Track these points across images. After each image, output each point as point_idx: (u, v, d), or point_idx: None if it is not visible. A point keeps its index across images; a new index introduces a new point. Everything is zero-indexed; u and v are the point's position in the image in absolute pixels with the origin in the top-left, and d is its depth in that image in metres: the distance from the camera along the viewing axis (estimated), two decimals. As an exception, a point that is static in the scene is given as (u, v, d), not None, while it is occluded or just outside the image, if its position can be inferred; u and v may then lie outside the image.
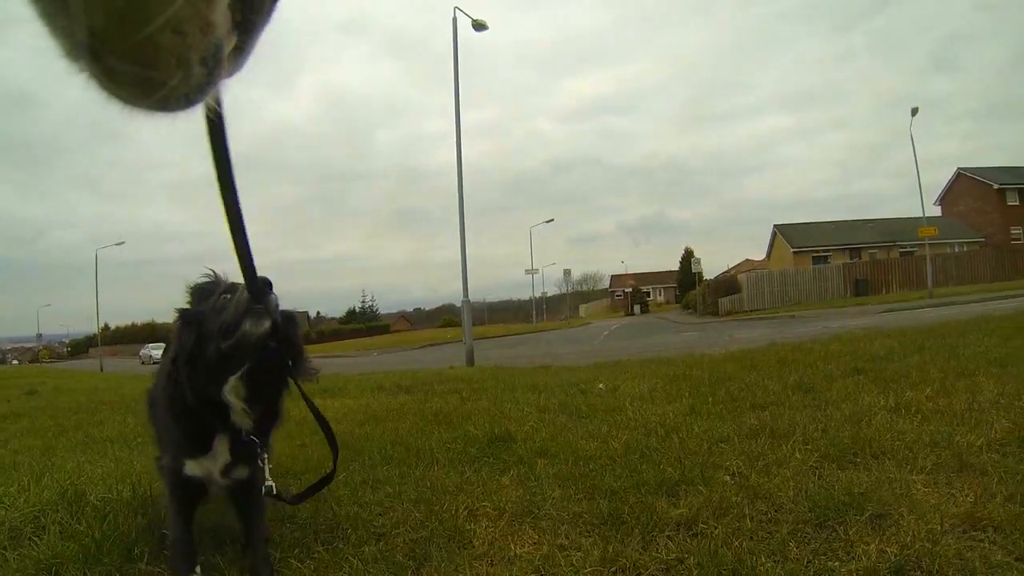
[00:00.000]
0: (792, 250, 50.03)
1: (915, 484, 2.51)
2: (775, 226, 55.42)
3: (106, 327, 68.27)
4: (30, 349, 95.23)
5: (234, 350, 2.11)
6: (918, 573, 1.83)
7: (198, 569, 2.29)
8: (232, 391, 2.19)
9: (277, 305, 2.15)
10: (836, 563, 1.95)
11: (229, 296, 2.18)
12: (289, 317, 2.32)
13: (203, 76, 0.56)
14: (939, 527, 2.07)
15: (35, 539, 2.68)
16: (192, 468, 2.35)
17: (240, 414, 2.23)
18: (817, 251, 49.03)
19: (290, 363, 2.31)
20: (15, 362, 76.43)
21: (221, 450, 2.32)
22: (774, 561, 1.99)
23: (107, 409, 9.03)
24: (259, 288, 2.02)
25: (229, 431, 2.28)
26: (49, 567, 2.40)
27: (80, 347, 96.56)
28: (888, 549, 1.97)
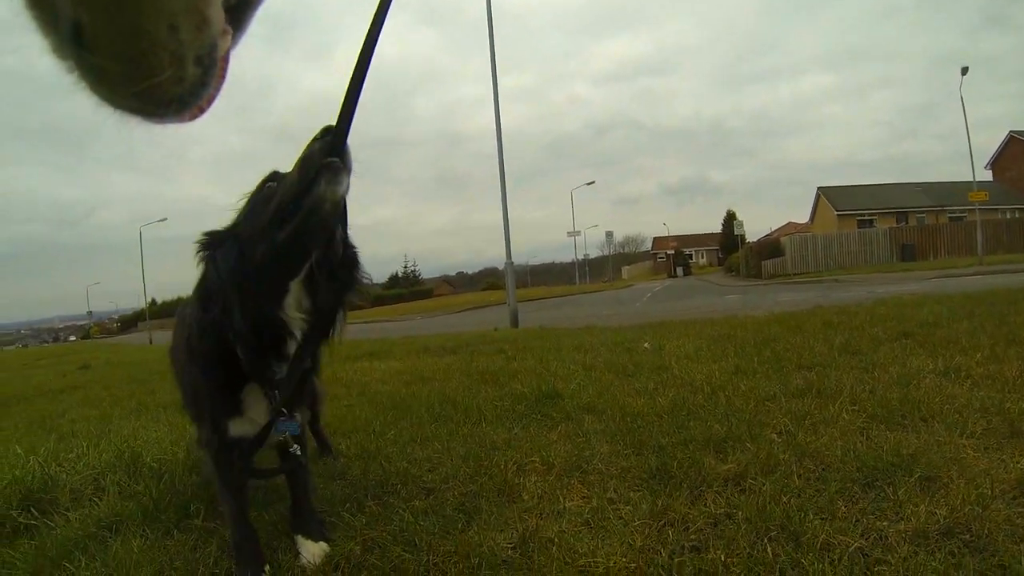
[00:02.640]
0: (836, 213, 48.44)
1: (965, 448, 2.45)
2: (819, 188, 53.68)
3: (153, 302, 69.54)
4: (82, 326, 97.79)
5: (300, 232, 1.64)
6: (967, 536, 1.79)
7: (267, 568, 2.04)
8: (294, 303, 1.76)
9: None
10: (885, 523, 1.92)
11: (275, 183, 1.74)
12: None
13: (198, 76, 0.54)
14: (989, 492, 2.02)
15: (96, 500, 2.79)
16: (237, 427, 2.02)
17: (294, 343, 1.82)
18: (862, 214, 47.43)
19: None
20: (72, 338, 78.54)
21: (256, 402, 1.97)
22: (822, 519, 1.97)
23: (158, 379, 9.24)
24: (339, 134, 1.57)
25: (268, 378, 1.89)
26: (110, 525, 2.48)
27: (129, 322, 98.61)
28: (937, 511, 1.93)
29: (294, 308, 1.75)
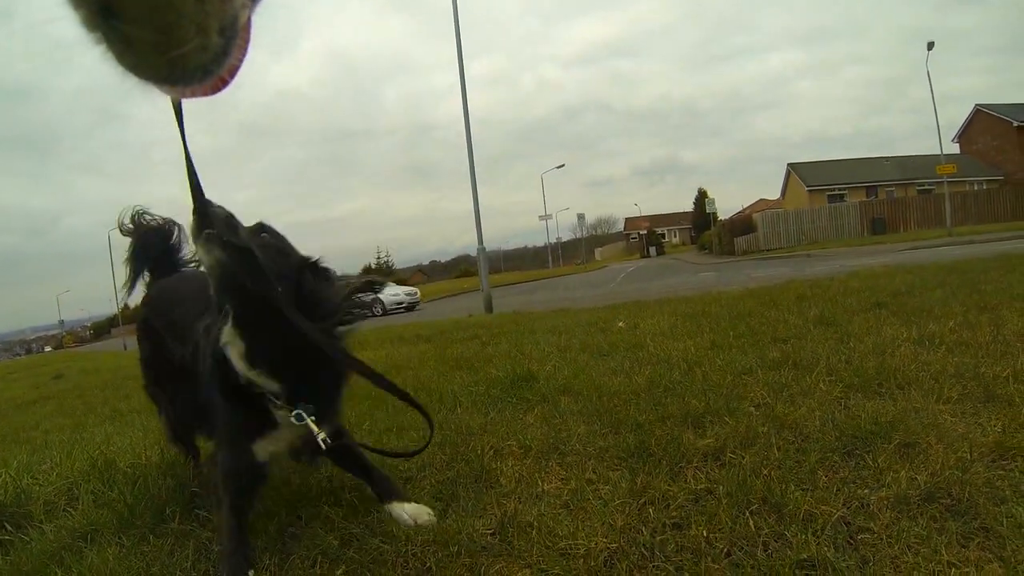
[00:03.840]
0: (807, 188, 48.75)
1: (942, 414, 2.46)
2: (789, 165, 53.87)
3: (126, 307, 68.62)
4: (54, 336, 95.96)
5: (215, 292, 1.86)
6: (948, 500, 1.79)
7: (251, 573, 1.94)
8: (229, 343, 1.89)
9: (233, 222, 1.80)
10: (866, 491, 1.91)
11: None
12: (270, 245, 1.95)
13: (220, 46, 0.55)
14: (968, 456, 2.03)
15: (69, 510, 2.72)
16: (262, 451, 2.04)
17: (247, 372, 1.89)
18: (832, 189, 47.81)
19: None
20: (48, 348, 76.95)
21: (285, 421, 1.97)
22: (803, 490, 1.96)
23: (132, 383, 9.14)
24: (202, 208, 1.73)
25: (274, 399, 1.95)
26: (85, 535, 2.42)
27: (102, 329, 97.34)
28: (918, 477, 1.93)
29: (233, 350, 1.88)
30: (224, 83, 0.62)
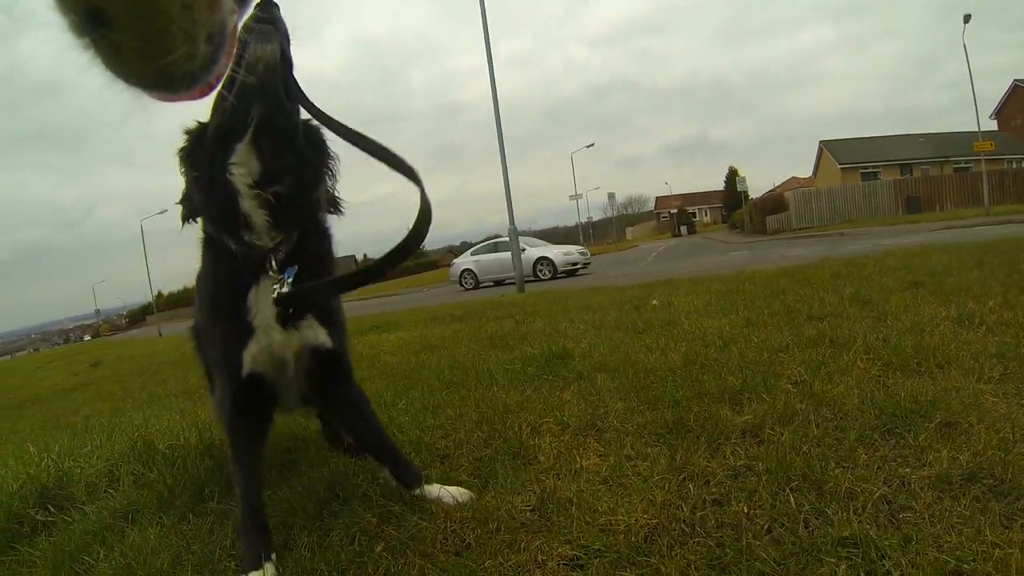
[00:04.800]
0: (840, 166, 47.65)
1: (983, 394, 2.39)
2: (821, 142, 52.79)
3: (160, 294, 69.26)
4: (91, 325, 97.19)
5: (239, 94, 1.61)
6: (991, 481, 1.74)
7: (274, 556, 1.89)
8: (241, 164, 1.69)
9: (288, 38, 1.67)
10: (907, 470, 1.88)
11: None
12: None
13: (208, 53, 0.55)
14: (1011, 436, 1.97)
15: (111, 491, 2.77)
16: (253, 360, 1.85)
17: (251, 204, 1.72)
18: (866, 167, 46.61)
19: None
20: (87, 337, 77.93)
21: (264, 302, 1.80)
22: (843, 468, 1.93)
23: (169, 368, 9.34)
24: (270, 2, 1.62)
25: (267, 268, 1.78)
26: (126, 515, 2.47)
27: (137, 316, 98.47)
28: (960, 457, 1.88)
29: (242, 170, 1.69)
30: (211, 88, 0.62)
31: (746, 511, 1.74)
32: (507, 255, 20.05)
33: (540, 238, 28.35)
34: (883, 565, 1.45)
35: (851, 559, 1.49)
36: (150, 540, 2.16)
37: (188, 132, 1.80)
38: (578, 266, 21.78)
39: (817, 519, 1.68)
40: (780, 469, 1.95)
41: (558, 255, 21.62)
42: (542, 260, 21.55)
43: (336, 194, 2.00)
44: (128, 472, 2.90)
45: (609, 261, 29.64)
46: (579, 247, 24.04)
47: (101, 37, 0.51)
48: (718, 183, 71.34)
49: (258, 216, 1.73)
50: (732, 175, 59.77)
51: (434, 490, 2.14)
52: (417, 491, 2.15)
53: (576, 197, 53.91)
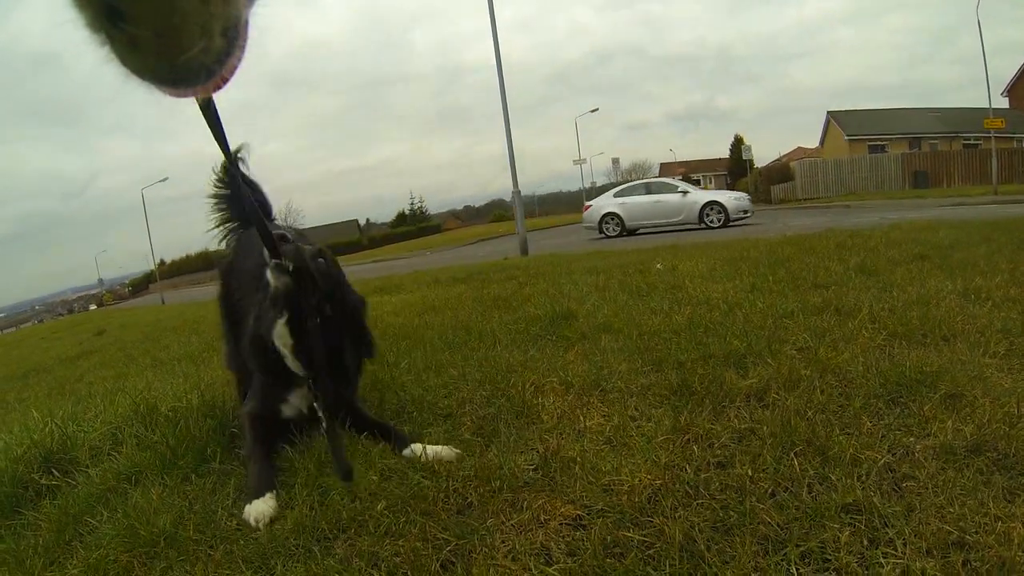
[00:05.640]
0: (847, 138, 46.21)
1: (988, 368, 2.37)
2: (829, 112, 51.17)
3: (162, 262, 68.99)
4: (95, 295, 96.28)
5: (271, 302, 2.24)
6: (994, 455, 1.71)
7: (275, 490, 2.13)
8: (279, 338, 2.27)
9: (300, 254, 2.18)
10: (911, 439, 1.85)
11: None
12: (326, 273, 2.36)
13: (223, 47, 0.55)
14: (1015, 411, 1.94)
15: (114, 454, 2.73)
16: (289, 410, 2.47)
17: (292, 362, 2.29)
18: (873, 140, 45.35)
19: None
20: (93, 307, 77.40)
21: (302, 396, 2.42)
22: (847, 434, 1.90)
23: (171, 334, 9.32)
24: (273, 245, 2.09)
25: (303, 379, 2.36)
26: (129, 477, 2.44)
27: (140, 285, 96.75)
28: (964, 428, 1.86)
29: (280, 341, 2.26)
30: (224, 82, 0.62)
31: (750, 474, 1.71)
32: (666, 197, 19.15)
33: (543, 203, 27.32)
34: (886, 533, 1.43)
35: (854, 525, 1.47)
36: (153, 501, 2.15)
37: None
38: (749, 214, 18.99)
39: (821, 484, 1.65)
40: (784, 433, 1.92)
41: (730, 200, 18.87)
42: (712, 205, 18.77)
43: (367, 339, 2.66)
44: (131, 435, 2.86)
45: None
46: (744, 193, 20.74)
47: (118, 32, 0.50)
48: (723, 151, 70.40)
49: (298, 370, 2.32)
50: (737, 143, 58.91)
51: (421, 449, 2.28)
52: (406, 452, 2.29)
53: (580, 162, 53.54)
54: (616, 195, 20.72)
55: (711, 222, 18.46)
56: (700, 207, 18.68)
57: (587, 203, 22.30)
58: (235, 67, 0.61)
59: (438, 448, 2.23)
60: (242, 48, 0.59)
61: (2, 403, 6.53)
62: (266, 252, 2.13)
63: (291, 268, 2.13)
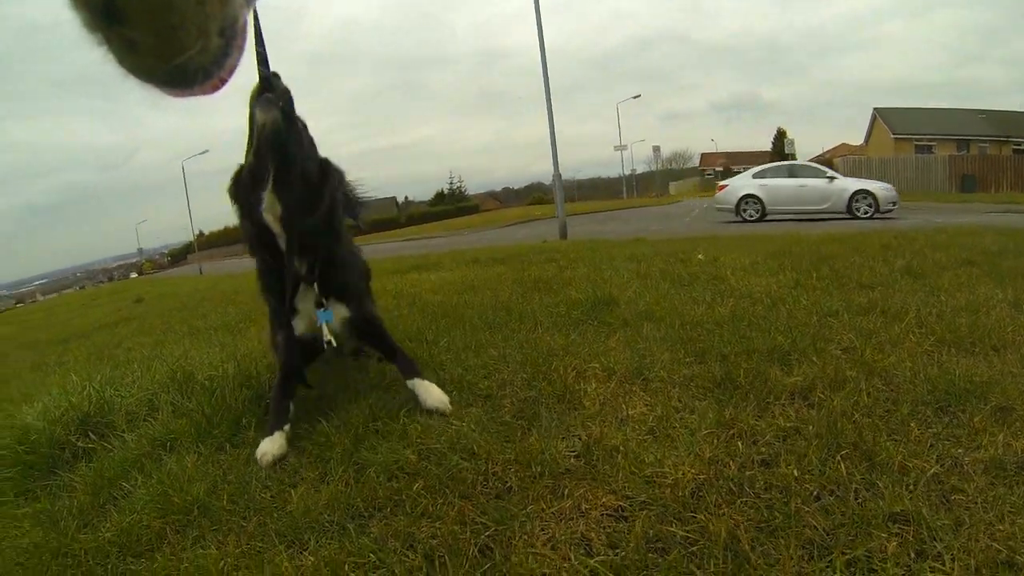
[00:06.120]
0: (893, 136, 44.75)
1: (1041, 382, 2.26)
2: (875, 109, 49.47)
3: (200, 234, 69.67)
4: (135, 264, 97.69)
5: (256, 152, 2.06)
6: (1046, 474, 1.64)
7: (287, 427, 2.31)
8: (268, 210, 2.14)
9: (290, 98, 2.08)
10: (960, 450, 1.76)
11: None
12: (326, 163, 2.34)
13: (221, 47, 0.55)
14: (1069, 429, 1.85)
15: (150, 419, 2.75)
16: (300, 327, 2.43)
17: (285, 244, 2.19)
18: (920, 139, 43.65)
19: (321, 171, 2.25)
20: (134, 275, 78.39)
21: (306, 297, 2.38)
22: (894, 441, 1.83)
23: (208, 304, 9.38)
24: (268, 76, 1.98)
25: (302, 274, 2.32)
26: (164, 443, 2.46)
27: (179, 255, 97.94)
28: (1014, 443, 1.77)
29: (268, 212, 2.13)
30: (223, 82, 0.61)
31: (796, 475, 1.65)
32: (812, 182, 17.48)
33: (582, 188, 26.42)
34: (934, 546, 1.37)
35: (901, 536, 1.41)
36: (187, 468, 2.17)
37: (236, 169, 2.27)
38: (896, 206, 17.26)
39: (867, 491, 1.59)
40: (830, 435, 1.86)
41: (880, 189, 17.10)
42: (862, 194, 17.00)
43: (354, 198, 2.60)
44: (167, 401, 2.88)
45: (653, 214, 29.24)
46: (889, 184, 18.54)
47: (115, 34, 0.50)
48: (765, 144, 68.96)
49: (288, 247, 2.20)
50: (780, 136, 57.80)
51: (416, 386, 2.44)
52: (409, 383, 2.46)
53: (621, 148, 53.10)
54: (755, 176, 18.84)
55: (860, 212, 16.73)
56: (849, 195, 16.98)
57: (722, 182, 20.44)
58: (233, 67, 0.60)
59: (434, 391, 2.39)
60: (240, 48, 0.59)
61: (42, 365, 6.65)
62: (255, 87, 2.01)
63: (281, 106, 2.02)
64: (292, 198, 2.13)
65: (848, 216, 16.63)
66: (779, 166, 19.30)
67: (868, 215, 16.55)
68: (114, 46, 0.51)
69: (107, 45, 0.51)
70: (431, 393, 2.40)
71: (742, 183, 18.85)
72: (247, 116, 2.06)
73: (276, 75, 2.01)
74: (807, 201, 17.49)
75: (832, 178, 17.53)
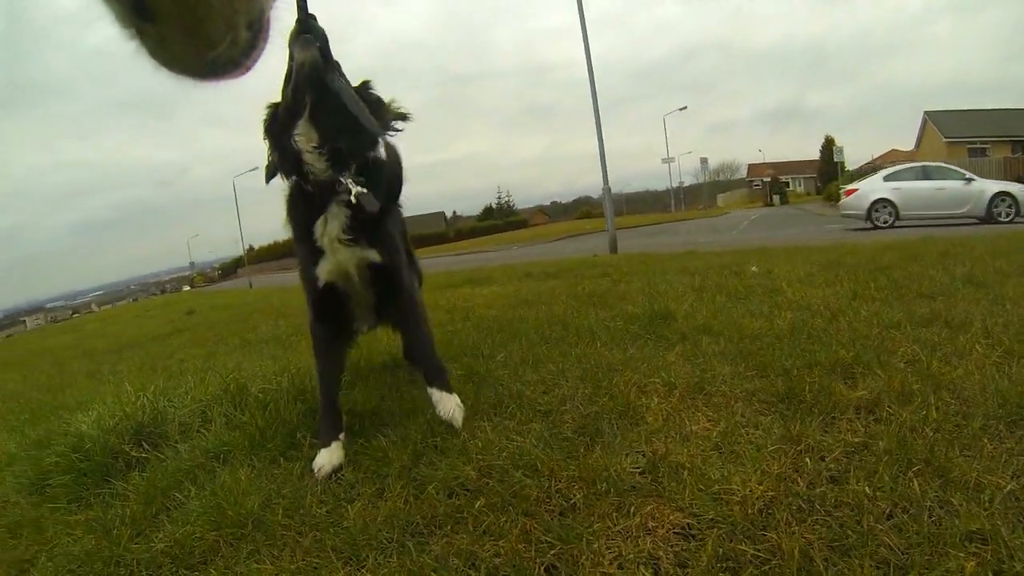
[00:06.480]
0: (944, 140, 42.92)
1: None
2: (926, 113, 47.43)
3: (251, 248, 71.22)
4: (186, 277, 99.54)
5: (294, 86, 2.09)
6: None
7: (342, 436, 2.32)
8: (302, 135, 2.16)
9: (326, 39, 2.13)
10: (1037, 467, 1.70)
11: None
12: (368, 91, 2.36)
13: (248, 40, 0.56)
14: None
15: (203, 431, 2.75)
16: (324, 271, 2.34)
17: (312, 157, 2.18)
18: (974, 142, 41.98)
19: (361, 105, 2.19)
20: (186, 288, 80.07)
21: (332, 223, 2.27)
22: (967, 456, 1.75)
23: (259, 316, 9.53)
24: (306, 19, 2.04)
25: (331, 200, 2.25)
26: (217, 456, 2.46)
27: (229, 269, 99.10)
28: (1093, 457, 1.70)
29: (303, 139, 2.16)
30: (248, 70, 0.62)
31: (867, 492, 1.60)
32: (948, 184, 16.28)
33: (629, 202, 25.75)
34: (1013, 567, 1.30)
35: (979, 555, 1.35)
36: (241, 481, 2.15)
37: (268, 107, 2.32)
38: None
39: (942, 508, 1.53)
40: (900, 451, 1.79)
41: (1021, 191, 15.73)
42: (1002, 196, 15.75)
43: (389, 121, 2.45)
44: (220, 413, 2.88)
45: (701, 227, 28.89)
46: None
47: (146, 28, 0.51)
48: (813, 152, 67.30)
49: (319, 163, 2.19)
50: (828, 144, 56.27)
51: (436, 394, 2.45)
52: (430, 390, 2.47)
53: (669, 161, 52.56)
54: (887, 179, 17.41)
55: (1001, 216, 15.50)
56: (989, 198, 15.72)
57: (849, 187, 18.88)
58: (260, 56, 0.61)
59: (447, 404, 2.40)
60: (266, 40, 0.60)
61: (97, 373, 6.85)
62: (293, 28, 2.04)
63: (320, 45, 2.07)
64: (328, 124, 2.17)
65: (987, 221, 15.54)
66: (911, 167, 17.94)
67: (1009, 218, 15.37)
68: (146, 41, 0.52)
69: (138, 40, 0.52)
70: (445, 405, 2.40)
71: (873, 187, 17.41)
72: (286, 55, 2.12)
73: (313, 16, 2.07)
74: (944, 205, 16.37)
75: (969, 180, 16.31)
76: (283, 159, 2.27)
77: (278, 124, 2.24)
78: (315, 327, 2.53)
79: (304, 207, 2.31)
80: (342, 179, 2.20)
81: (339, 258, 2.31)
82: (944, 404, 2.12)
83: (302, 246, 2.37)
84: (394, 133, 2.46)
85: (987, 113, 44.87)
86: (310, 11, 2.06)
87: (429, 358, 2.56)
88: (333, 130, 2.16)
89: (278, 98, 2.26)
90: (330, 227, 2.27)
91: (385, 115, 2.40)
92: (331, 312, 2.48)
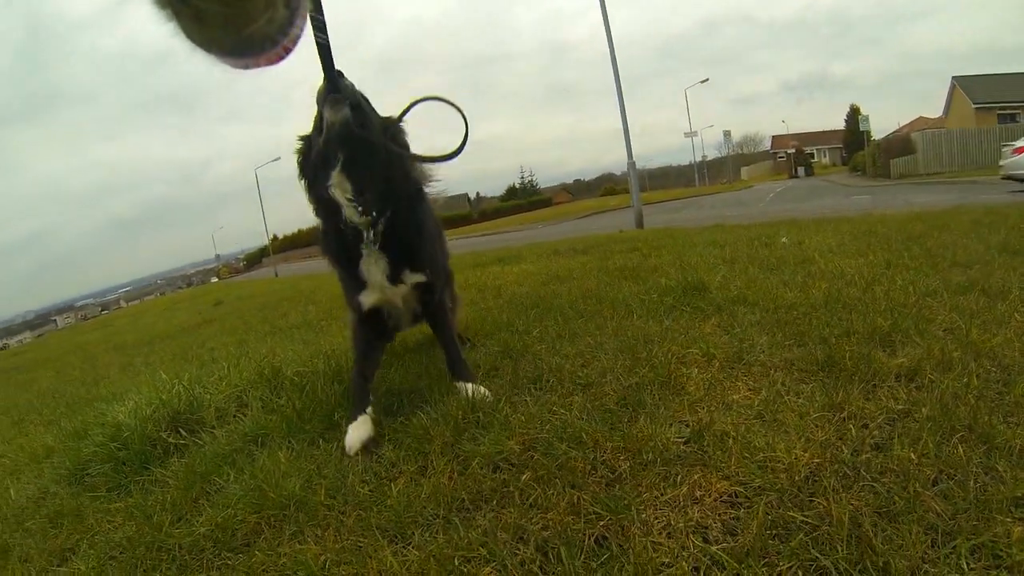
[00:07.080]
0: (974, 106, 41.04)
1: None
2: (954, 78, 45.12)
3: (275, 237, 71.33)
4: (212, 269, 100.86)
5: (326, 141, 2.13)
6: None
7: (369, 410, 2.35)
8: (336, 186, 2.20)
9: (355, 93, 2.17)
10: (1080, 432, 1.65)
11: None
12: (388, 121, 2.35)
13: (286, 17, 0.54)
14: None
15: (240, 416, 2.76)
16: (369, 300, 2.44)
17: (349, 209, 2.22)
18: (1004, 108, 39.80)
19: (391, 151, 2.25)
20: (214, 279, 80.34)
21: (374, 263, 2.35)
22: (1009, 424, 1.71)
23: (287, 304, 9.59)
24: (334, 77, 2.05)
25: (368, 239, 2.31)
26: (255, 439, 2.46)
27: (255, 259, 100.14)
28: None
29: (337, 188, 2.19)
30: (287, 51, 0.61)
31: (912, 458, 1.58)
32: None
33: (653, 177, 24.71)
34: (1061, 531, 1.28)
35: (1026, 521, 1.32)
36: (280, 463, 2.14)
37: (299, 139, 2.35)
38: None
39: (987, 475, 1.50)
40: (943, 418, 1.76)
41: None
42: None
43: (421, 173, 2.47)
44: (256, 397, 2.87)
45: (727, 200, 28.49)
46: None
47: (184, 7, 0.50)
48: (838, 122, 65.54)
49: (355, 215, 2.25)
50: (854, 114, 54.88)
51: (461, 386, 2.51)
52: (457, 384, 2.54)
53: (691, 135, 51.83)
54: None
55: None
56: None
57: (1019, 143, 15.36)
58: (297, 37, 0.60)
59: (478, 390, 2.43)
60: (303, 18, 0.59)
61: (130, 366, 6.96)
62: (322, 87, 2.08)
63: (351, 103, 2.10)
64: (361, 179, 2.20)
65: None
66: None
67: None
68: (183, 20, 0.51)
69: (175, 20, 0.51)
70: (471, 390, 2.43)
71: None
72: (315, 110, 2.19)
73: (341, 73, 2.09)
74: None
75: None
76: (319, 206, 2.35)
77: (311, 168, 2.29)
78: (357, 329, 2.61)
79: (340, 244, 2.39)
80: (373, 230, 2.29)
81: (387, 295, 2.43)
82: (985, 372, 2.08)
83: (342, 271, 2.50)
84: (431, 184, 2.52)
85: (1017, 77, 42.77)
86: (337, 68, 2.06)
87: (457, 363, 2.63)
88: (367, 180, 2.21)
89: (308, 127, 2.31)
90: (373, 272, 2.37)
91: (415, 167, 2.45)
92: (374, 323, 2.56)
